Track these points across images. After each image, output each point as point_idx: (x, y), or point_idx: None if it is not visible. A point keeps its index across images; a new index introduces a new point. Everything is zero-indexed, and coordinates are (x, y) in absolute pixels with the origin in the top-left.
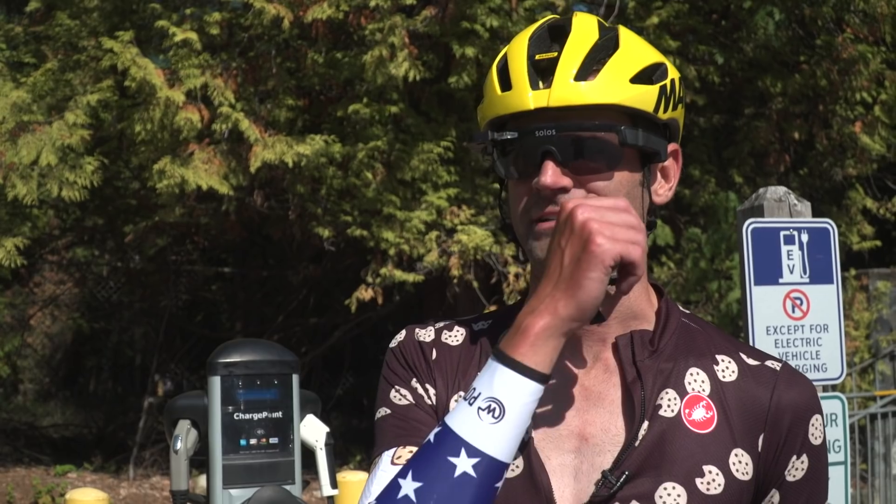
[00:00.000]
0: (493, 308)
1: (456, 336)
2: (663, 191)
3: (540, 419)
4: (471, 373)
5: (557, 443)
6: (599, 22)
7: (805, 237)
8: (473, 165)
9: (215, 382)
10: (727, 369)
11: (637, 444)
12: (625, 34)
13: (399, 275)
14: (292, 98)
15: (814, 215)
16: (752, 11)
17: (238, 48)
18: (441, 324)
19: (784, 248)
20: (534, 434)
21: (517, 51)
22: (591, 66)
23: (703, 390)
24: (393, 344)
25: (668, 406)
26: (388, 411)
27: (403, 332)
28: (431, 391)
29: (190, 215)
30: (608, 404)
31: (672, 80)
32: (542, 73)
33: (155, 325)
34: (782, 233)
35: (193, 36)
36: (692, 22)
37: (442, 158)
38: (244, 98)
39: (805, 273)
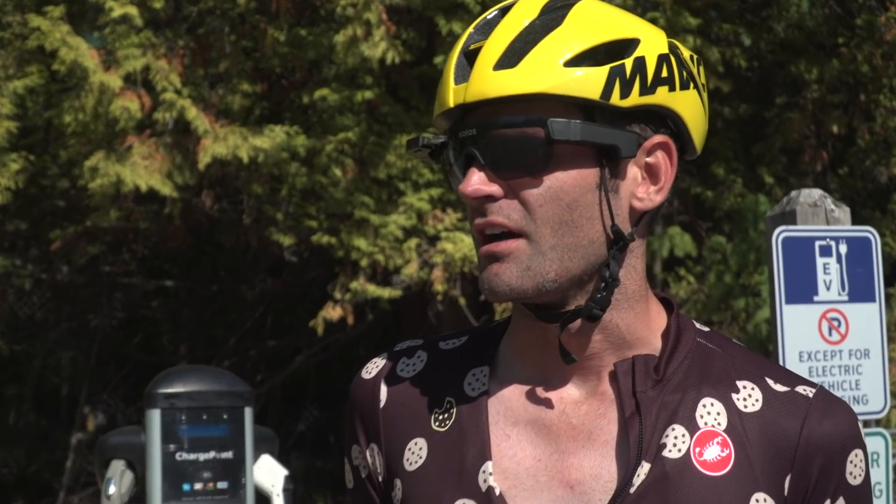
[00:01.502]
0: None
1: (415, 364)
2: (645, 194)
3: (510, 464)
4: (426, 410)
5: (534, 491)
6: None
7: (844, 248)
8: None
9: (154, 416)
10: (749, 398)
11: (632, 490)
12: (580, 10)
13: (373, 290)
14: (248, 83)
15: (854, 222)
16: None
17: (185, 24)
18: (401, 347)
19: (819, 261)
20: (500, 483)
21: (459, 41)
22: (518, 52)
23: (718, 424)
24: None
25: (675, 445)
26: (346, 485)
27: (355, 376)
28: (376, 450)
29: (127, 219)
30: (601, 445)
31: (641, 58)
32: (471, 64)
33: (85, 347)
34: (817, 243)
35: (133, 10)
36: None
37: None
38: (192, 83)
39: (843, 290)
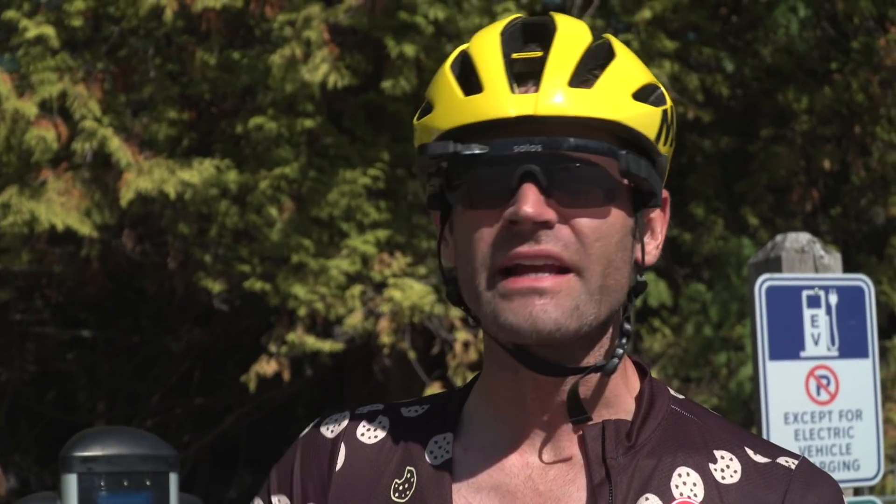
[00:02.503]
0: (434, 387)
1: (376, 430)
2: (651, 248)
3: None
4: (385, 479)
5: None
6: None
7: (834, 298)
8: (410, 200)
9: (70, 482)
10: (727, 469)
11: None
12: (617, 44)
13: (312, 342)
14: (175, 110)
15: (846, 269)
16: (770, 5)
17: (106, 46)
18: (362, 410)
19: (807, 313)
20: None
21: (485, 47)
22: (586, 72)
23: (695, 496)
24: (302, 434)
25: None
26: None
27: (311, 427)
28: None
29: (39, 262)
30: None
31: (671, 108)
32: (520, 76)
33: None
34: (805, 293)
35: (50, 31)
36: (695, 17)
37: (370, 190)
38: (113, 110)
39: (833, 344)
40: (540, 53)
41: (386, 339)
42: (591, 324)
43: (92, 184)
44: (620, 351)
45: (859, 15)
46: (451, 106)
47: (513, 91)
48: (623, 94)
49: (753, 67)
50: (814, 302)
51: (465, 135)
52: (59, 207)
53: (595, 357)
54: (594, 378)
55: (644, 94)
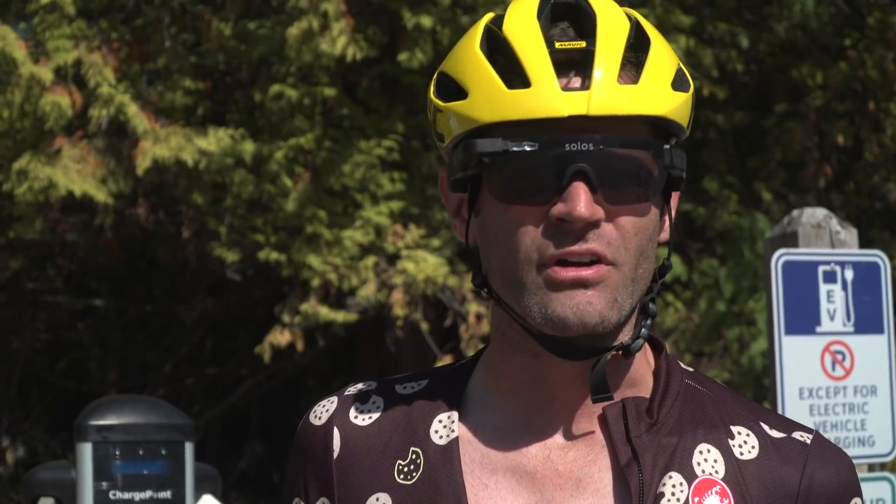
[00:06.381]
0: (446, 359)
1: (370, 410)
2: (667, 225)
3: None
4: (387, 461)
5: None
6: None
7: (850, 274)
8: (425, 172)
9: (85, 450)
10: (745, 444)
11: None
12: (646, 24)
13: (325, 313)
14: (191, 79)
15: (862, 245)
16: None
17: (122, 14)
18: (351, 391)
19: (823, 288)
20: None
21: (524, 32)
22: (630, 65)
23: (717, 472)
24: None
25: (673, 494)
26: None
27: (301, 423)
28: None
29: (52, 231)
30: (591, 494)
31: (693, 87)
32: (559, 64)
33: (5, 372)
34: (821, 268)
35: None
36: None
37: (384, 162)
38: (128, 78)
39: (849, 320)
40: (582, 44)
41: (399, 310)
42: (627, 313)
43: (107, 152)
44: (645, 331)
45: None
46: (493, 98)
47: (563, 88)
48: (664, 87)
49: (768, 43)
50: (830, 277)
51: (508, 128)
52: (76, 175)
53: (621, 338)
54: (617, 357)
55: (679, 82)
